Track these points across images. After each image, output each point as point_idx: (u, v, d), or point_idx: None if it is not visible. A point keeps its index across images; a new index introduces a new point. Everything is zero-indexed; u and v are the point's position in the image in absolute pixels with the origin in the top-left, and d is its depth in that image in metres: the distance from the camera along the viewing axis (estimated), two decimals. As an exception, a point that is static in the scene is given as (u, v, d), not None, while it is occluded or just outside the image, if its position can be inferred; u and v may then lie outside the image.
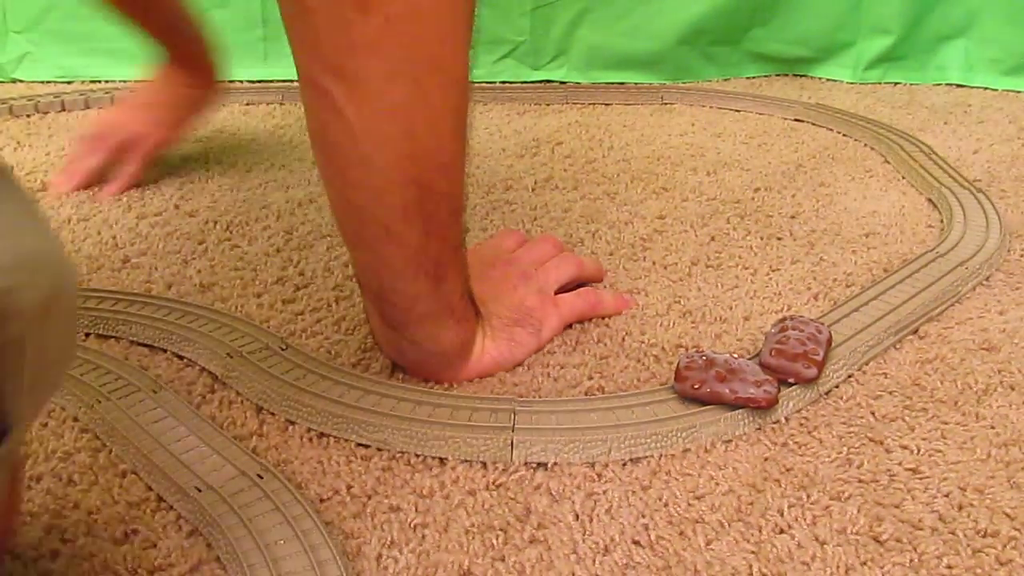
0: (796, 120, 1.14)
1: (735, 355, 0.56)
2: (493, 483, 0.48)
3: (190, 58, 0.93)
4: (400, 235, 0.49)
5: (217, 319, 0.63)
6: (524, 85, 1.32)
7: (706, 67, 1.33)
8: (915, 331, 0.62)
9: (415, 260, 0.50)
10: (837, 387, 0.56)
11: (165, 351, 0.61)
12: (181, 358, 0.60)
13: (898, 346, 0.61)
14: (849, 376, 0.57)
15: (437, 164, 0.48)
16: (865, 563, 0.42)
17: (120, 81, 1.28)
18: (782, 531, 0.44)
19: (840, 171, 0.94)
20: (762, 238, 0.78)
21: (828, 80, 1.33)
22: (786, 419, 0.53)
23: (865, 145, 1.03)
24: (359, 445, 0.51)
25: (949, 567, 0.42)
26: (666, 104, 1.23)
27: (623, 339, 0.62)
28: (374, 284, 0.53)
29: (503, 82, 1.33)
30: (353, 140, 0.46)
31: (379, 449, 0.51)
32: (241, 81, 1.31)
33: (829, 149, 1.01)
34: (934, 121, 1.11)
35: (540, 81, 1.33)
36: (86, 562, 0.43)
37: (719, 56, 1.32)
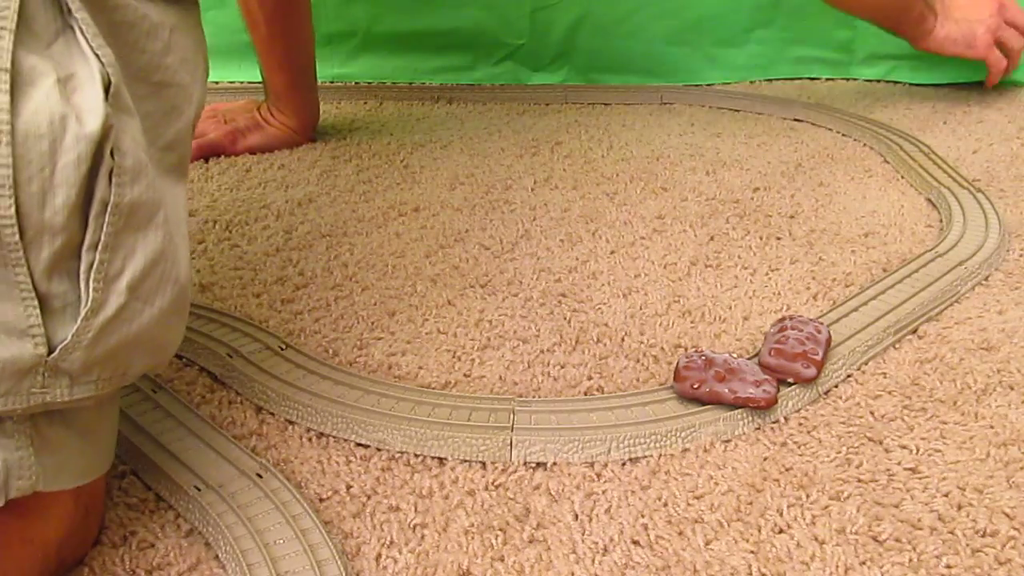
0: (796, 120, 1.14)
1: (734, 355, 0.56)
2: (492, 483, 0.48)
3: (294, 101, 1.04)
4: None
5: (217, 319, 0.63)
6: (523, 85, 1.31)
7: (707, 70, 1.32)
8: (914, 331, 0.62)
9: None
10: (836, 387, 0.56)
11: (164, 351, 0.61)
12: (180, 358, 0.60)
13: (897, 346, 0.61)
14: (848, 376, 0.57)
15: None
16: (864, 563, 0.42)
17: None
18: (781, 531, 0.44)
19: (839, 171, 0.94)
20: (761, 238, 0.78)
21: (828, 79, 1.32)
22: (785, 419, 0.53)
23: (864, 145, 1.03)
24: (358, 445, 0.51)
25: (948, 567, 0.42)
26: (665, 104, 1.23)
27: (622, 339, 0.62)
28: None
29: (502, 84, 1.33)
30: None
31: (378, 449, 0.51)
32: (241, 82, 1.31)
33: (828, 149, 1.01)
34: (934, 121, 1.11)
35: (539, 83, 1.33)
36: (85, 566, 0.43)
37: (720, 59, 1.32)
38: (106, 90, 0.35)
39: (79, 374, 0.36)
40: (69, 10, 0.36)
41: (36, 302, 0.34)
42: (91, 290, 0.35)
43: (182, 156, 0.44)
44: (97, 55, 0.36)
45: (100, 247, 0.35)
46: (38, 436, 0.36)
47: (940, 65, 1.26)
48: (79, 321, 0.35)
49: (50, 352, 0.35)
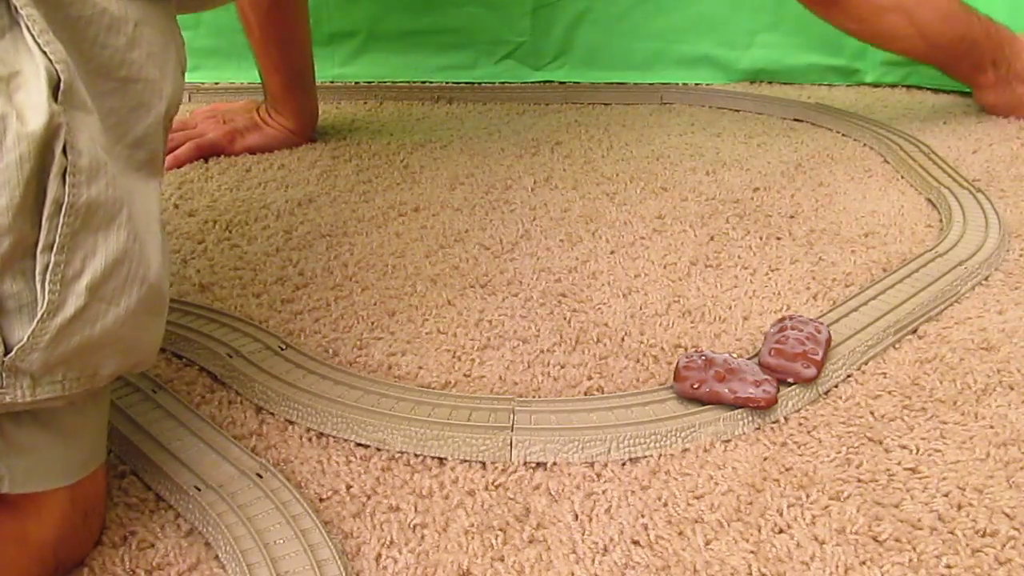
0: (796, 120, 1.14)
1: (734, 355, 0.56)
2: (492, 483, 0.48)
3: (291, 103, 1.04)
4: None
5: (216, 319, 0.63)
6: (524, 85, 1.32)
7: (709, 70, 1.32)
8: (914, 331, 0.62)
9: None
10: (836, 387, 0.56)
11: (164, 351, 0.61)
12: (180, 358, 0.60)
13: (897, 346, 0.61)
14: (848, 376, 0.57)
15: None
16: (864, 563, 0.42)
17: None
18: (781, 531, 0.44)
19: (839, 171, 0.94)
20: (761, 238, 0.78)
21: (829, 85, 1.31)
22: (785, 419, 0.53)
23: (864, 145, 1.03)
24: (358, 445, 0.51)
25: (948, 567, 0.42)
26: (665, 104, 1.23)
27: (622, 339, 0.62)
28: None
29: (503, 82, 1.33)
30: None
31: (378, 449, 0.51)
32: (241, 82, 1.31)
33: (828, 149, 1.01)
34: (934, 121, 1.11)
35: (540, 81, 1.33)
36: (85, 567, 0.43)
37: (722, 59, 1.31)
38: (55, 88, 0.35)
39: (40, 374, 0.36)
40: (16, 7, 0.35)
41: None
42: (47, 292, 0.35)
43: (153, 153, 0.43)
44: (44, 52, 0.35)
45: (55, 248, 0.34)
46: (2, 438, 0.36)
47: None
48: (35, 323, 0.34)
49: (7, 352, 0.34)
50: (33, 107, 0.34)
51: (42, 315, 0.35)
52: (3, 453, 0.36)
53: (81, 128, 0.35)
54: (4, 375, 0.34)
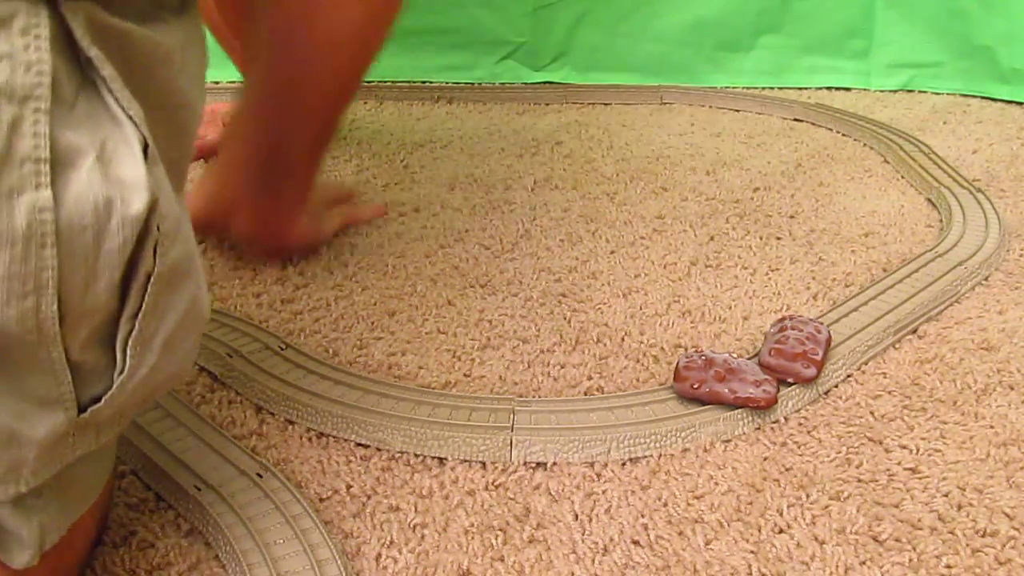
0: (795, 120, 1.14)
1: (734, 355, 0.56)
2: (492, 483, 0.48)
3: None
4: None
5: (217, 319, 0.63)
6: (524, 85, 1.32)
7: (710, 72, 1.31)
8: (914, 331, 0.62)
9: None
10: (836, 387, 0.56)
11: (164, 351, 0.61)
12: (180, 358, 0.60)
13: (897, 346, 0.61)
14: (848, 376, 0.57)
15: None
16: (864, 563, 0.42)
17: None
18: (781, 531, 0.44)
19: (839, 171, 0.94)
20: (761, 238, 0.78)
21: (842, 89, 1.30)
22: (785, 419, 0.53)
23: (864, 145, 1.03)
24: (359, 445, 0.51)
25: (948, 567, 0.42)
26: (665, 104, 1.23)
27: (622, 339, 0.62)
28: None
29: (503, 83, 1.33)
30: None
31: (378, 449, 0.51)
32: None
33: (828, 149, 1.01)
34: (933, 121, 1.11)
35: (540, 82, 1.33)
36: (86, 568, 0.43)
37: (723, 61, 1.31)
38: (144, 151, 0.33)
39: (106, 425, 0.35)
40: (88, 59, 0.32)
41: (68, 373, 0.32)
42: (128, 357, 0.34)
43: (183, 173, 0.42)
44: (129, 116, 0.33)
45: (140, 315, 0.33)
46: (63, 481, 0.36)
47: (961, 75, 1.24)
48: (114, 387, 0.34)
49: (80, 412, 0.33)
50: (133, 185, 0.32)
51: (122, 380, 0.34)
52: (62, 495, 0.36)
53: (161, 186, 0.34)
54: (75, 435, 0.34)
